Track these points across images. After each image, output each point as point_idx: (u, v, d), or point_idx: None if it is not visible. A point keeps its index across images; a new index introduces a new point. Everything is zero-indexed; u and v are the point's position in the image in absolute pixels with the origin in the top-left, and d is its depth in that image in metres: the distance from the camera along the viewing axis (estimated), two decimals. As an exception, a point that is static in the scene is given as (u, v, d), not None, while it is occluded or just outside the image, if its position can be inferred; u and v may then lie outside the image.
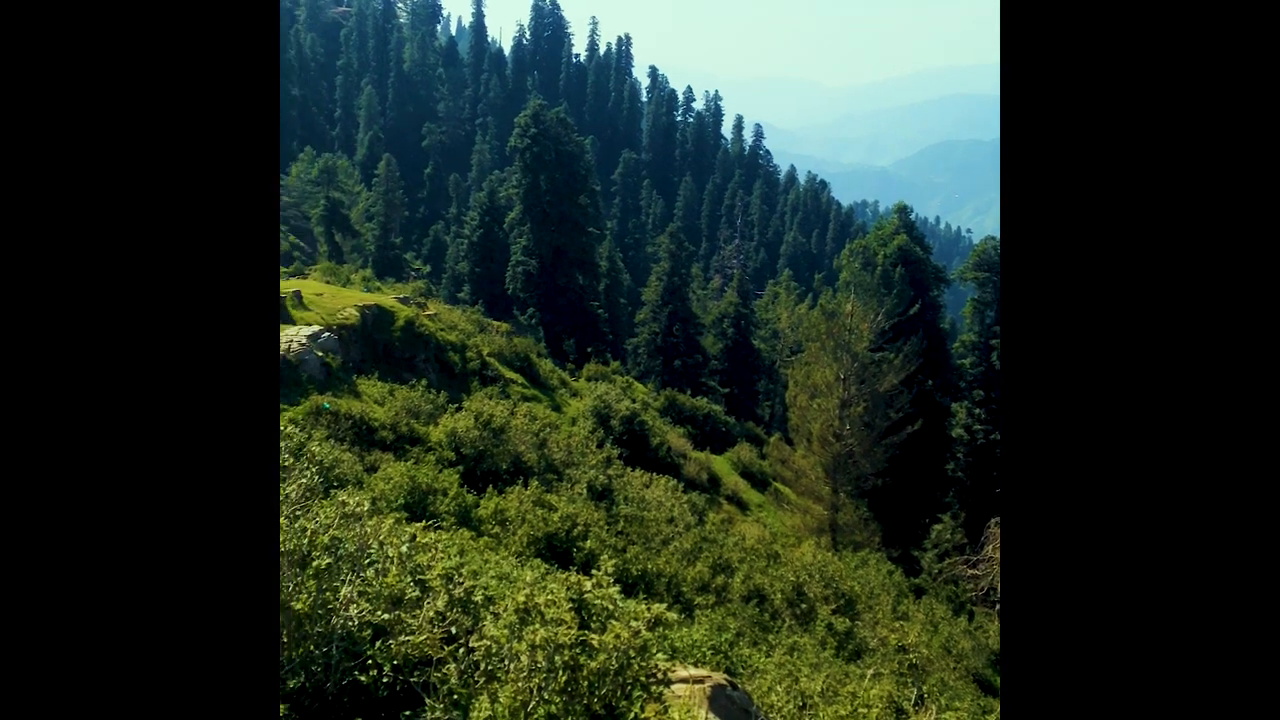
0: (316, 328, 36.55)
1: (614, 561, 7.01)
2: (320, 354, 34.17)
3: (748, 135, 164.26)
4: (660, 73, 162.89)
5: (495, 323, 60.84)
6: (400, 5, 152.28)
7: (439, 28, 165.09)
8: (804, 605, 24.23)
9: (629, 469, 36.02)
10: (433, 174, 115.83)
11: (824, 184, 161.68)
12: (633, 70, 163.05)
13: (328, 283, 57.27)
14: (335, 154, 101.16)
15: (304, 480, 6.56)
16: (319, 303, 43.62)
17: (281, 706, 5.52)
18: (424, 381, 37.39)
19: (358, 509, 6.57)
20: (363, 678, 5.74)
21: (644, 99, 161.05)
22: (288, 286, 46.21)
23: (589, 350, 69.95)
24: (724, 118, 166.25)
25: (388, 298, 48.73)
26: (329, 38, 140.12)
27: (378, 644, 5.91)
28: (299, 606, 5.82)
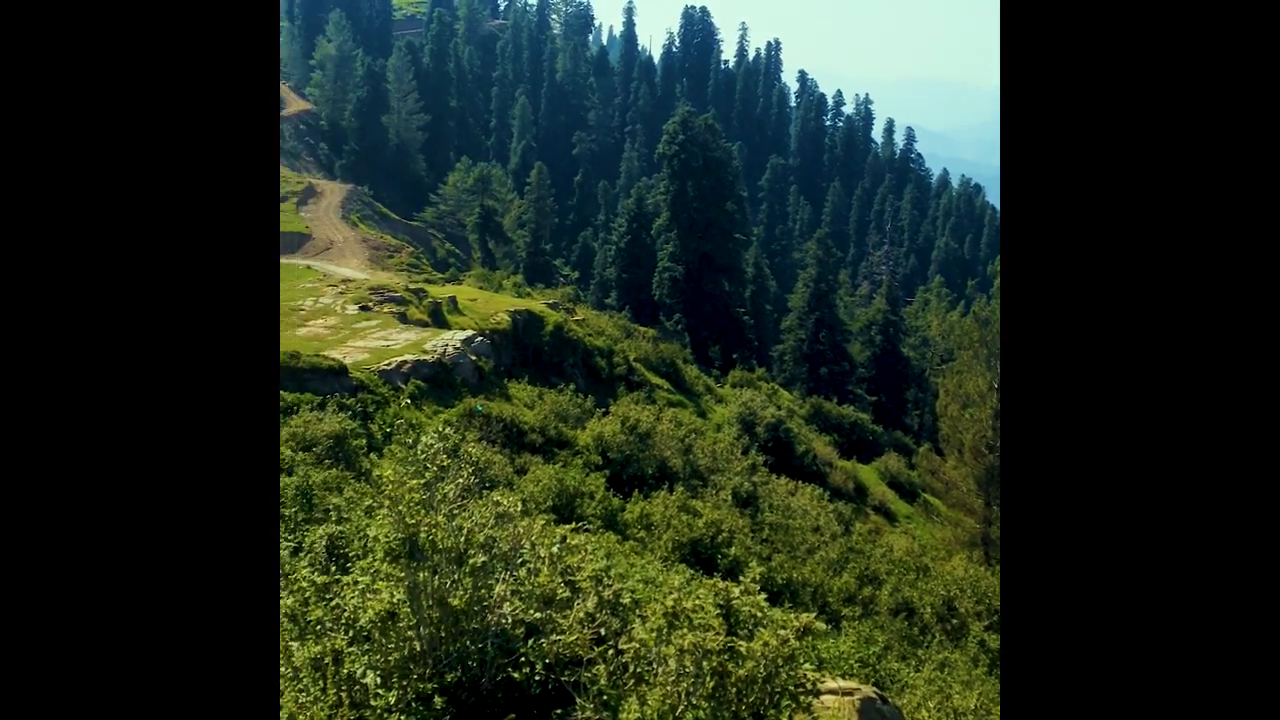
0: (470, 332, 37.62)
1: (761, 569, 6.98)
2: (473, 358, 35.13)
3: (898, 139, 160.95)
4: (809, 77, 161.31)
5: (641, 328, 61.35)
6: (554, 17, 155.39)
7: (590, 38, 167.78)
8: (955, 621, 23.57)
9: (774, 476, 35.77)
10: (582, 181, 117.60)
11: (979, 188, 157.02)
12: (781, 75, 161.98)
13: (481, 288, 58.88)
14: (490, 163, 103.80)
15: (460, 480, 6.78)
16: (473, 308, 44.89)
17: (439, 700, 5.72)
18: (572, 386, 38.01)
19: (511, 509, 6.75)
20: (516, 675, 5.88)
21: (792, 104, 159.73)
22: (444, 292, 47.70)
23: (734, 356, 69.76)
24: (874, 121, 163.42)
25: (537, 303, 49.73)
26: (486, 50, 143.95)
27: (530, 642, 6.06)
28: (456, 603, 6.01)
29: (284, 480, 17.64)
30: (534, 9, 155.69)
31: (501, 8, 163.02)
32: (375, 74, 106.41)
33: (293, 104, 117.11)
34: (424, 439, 6.95)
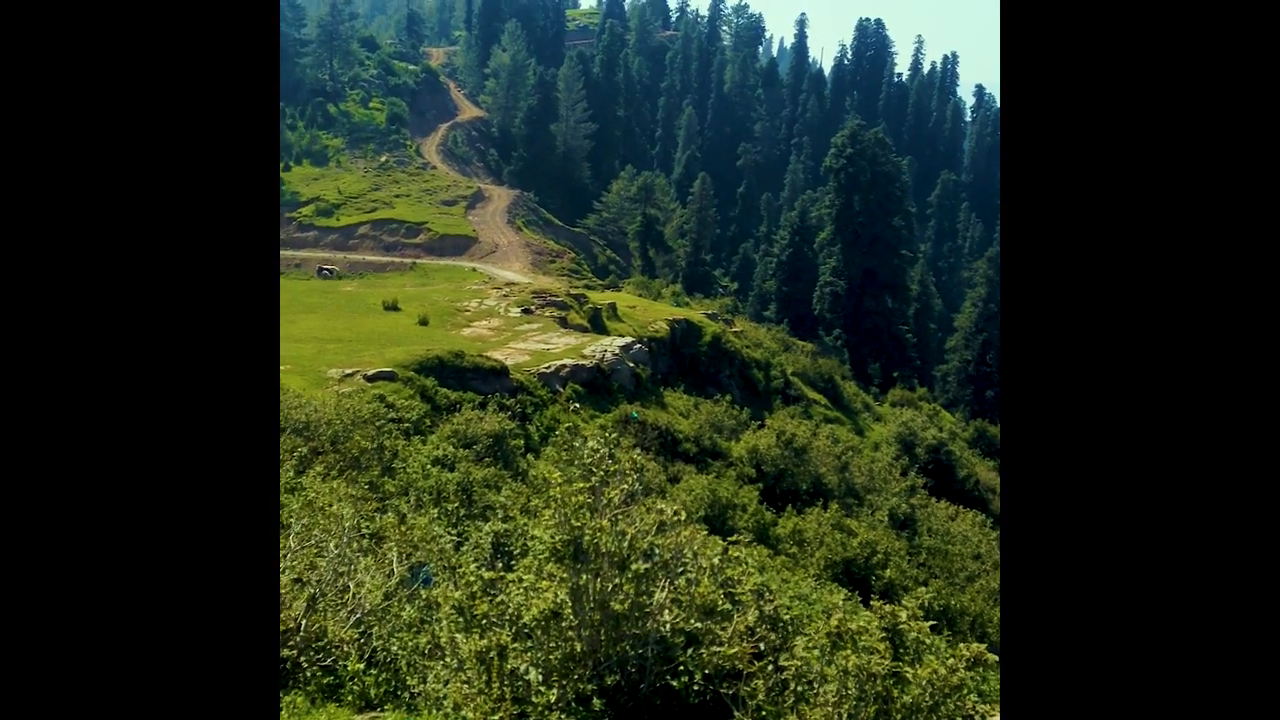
0: (629, 339, 37.98)
1: (928, 594, 6.77)
2: (631, 364, 35.44)
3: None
4: (987, 92, 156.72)
5: (800, 342, 60.74)
6: (725, 29, 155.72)
7: (760, 50, 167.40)
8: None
9: (933, 500, 34.78)
10: (745, 193, 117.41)
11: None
12: (957, 89, 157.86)
13: (640, 296, 59.44)
14: (653, 172, 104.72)
15: (625, 486, 6.80)
16: (631, 315, 45.36)
17: (597, 701, 5.75)
18: (728, 397, 37.92)
19: (675, 518, 6.74)
20: (675, 683, 5.86)
21: (967, 119, 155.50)
22: (603, 298, 48.37)
23: (895, 375, 68.28)
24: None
25: (696, 313, 49.86)
26: (655, 61, 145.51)
27: (689, 651, 6.02)
28: (617, 607, 6.03)
29: (446, 476, 18.16)
30: (705, 21, 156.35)
31: (673, 19, 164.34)
32: (546, 83, 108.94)
33: (466, 111, 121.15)
34: (589, 444, 7.02)
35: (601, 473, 6.68)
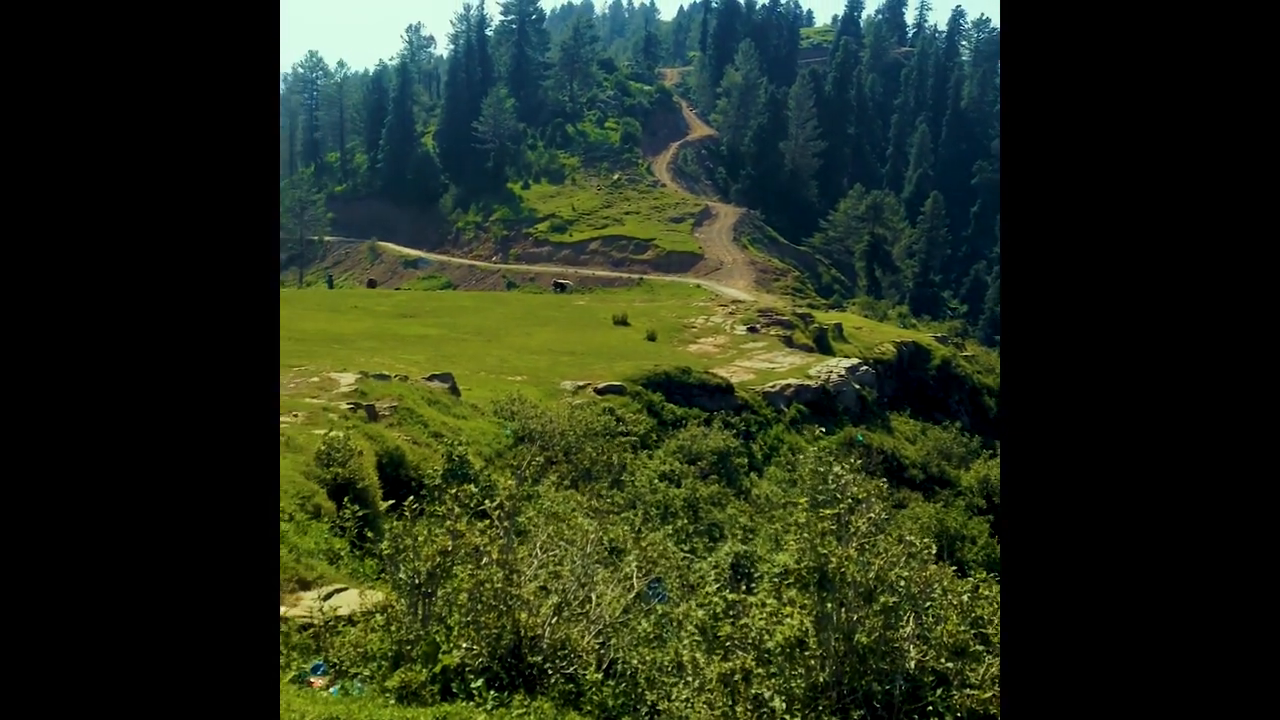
0: (854, 360, 37.31)
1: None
2: (856, 386, 34.79)
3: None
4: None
5: (1035, 370, 57.85)
6: (964, 44, 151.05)
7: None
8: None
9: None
10: (979, 212, 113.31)
11: None
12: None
13: (865, 316, 58.36)
14: (883, 191, 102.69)
15: (872, 515, 6.67)
16: (857, 336, 44.56)
17: (842, 735, 5.65)
18: (957, 424, 36.61)
19: (924, 552, 6.55)
20: (923, 724, 5.68)
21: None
22: (829, 318, 47.78)
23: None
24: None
25: (924, 335, 48.45)
26: (889, 77, 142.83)
27: (939, 692, 5.83)
28: (863, 639, 5.91)
29: (673, 491, 18.38)
30: (943, 36, 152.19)
31: (909, 35, 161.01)
32: (777, 101, 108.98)
33: (696, 129, 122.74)
34: (835, 468, 6.92)
35: (848, 500, 6.57)
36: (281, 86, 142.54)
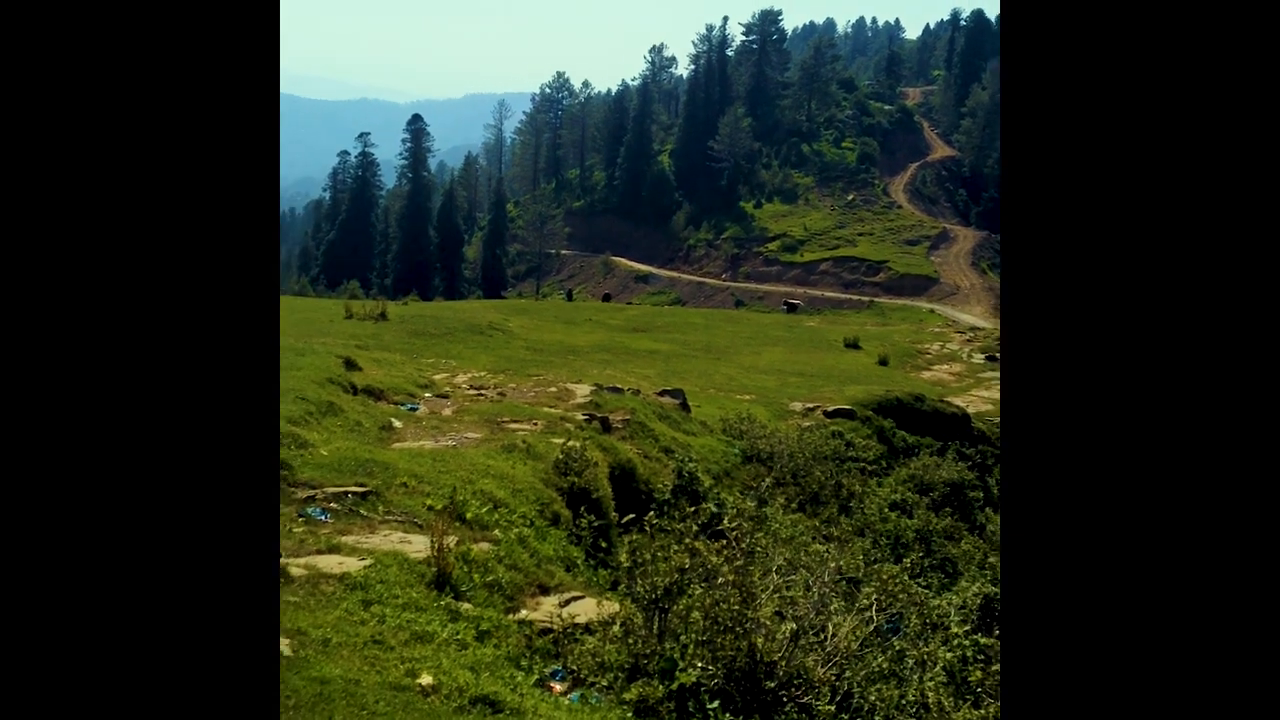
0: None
1: None
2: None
3: None
4: None
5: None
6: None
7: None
8: None
9: None
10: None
11: None
12: None
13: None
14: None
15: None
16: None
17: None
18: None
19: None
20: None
21: None
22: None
23: None
24: None
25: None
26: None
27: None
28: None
29: (905, 522, 17.79)
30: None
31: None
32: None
33: (937, 150, 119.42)
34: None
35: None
36: (529, 106, 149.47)
